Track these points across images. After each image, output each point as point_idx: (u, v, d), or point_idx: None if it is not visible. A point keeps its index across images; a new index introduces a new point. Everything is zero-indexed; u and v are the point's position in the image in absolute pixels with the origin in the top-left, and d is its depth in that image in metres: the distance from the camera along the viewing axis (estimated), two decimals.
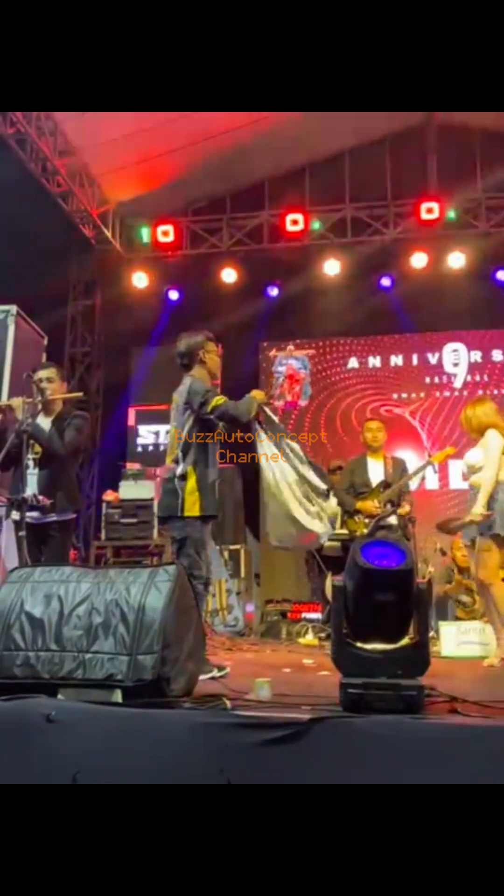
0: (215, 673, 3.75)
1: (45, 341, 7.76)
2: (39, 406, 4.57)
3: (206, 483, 3.96)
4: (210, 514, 4.01)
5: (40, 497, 4.55)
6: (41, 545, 4.62)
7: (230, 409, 3.97)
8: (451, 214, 9.05)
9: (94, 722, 2.48)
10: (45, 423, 4.62)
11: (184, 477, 3.92)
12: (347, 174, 9.55)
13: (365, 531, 6.07)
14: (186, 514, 3.90)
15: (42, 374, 4.61)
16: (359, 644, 2.78)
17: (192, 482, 3.92)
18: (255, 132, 8.42)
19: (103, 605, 2.78)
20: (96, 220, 9.36)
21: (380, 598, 2.73)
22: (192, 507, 3.91)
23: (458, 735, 2.38)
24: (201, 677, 3.70)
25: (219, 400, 3.98)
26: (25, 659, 2.75)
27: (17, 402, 4.49)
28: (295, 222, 9.25)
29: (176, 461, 4.00)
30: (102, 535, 7.38)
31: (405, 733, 2.36)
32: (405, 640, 2.80)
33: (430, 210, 9.01)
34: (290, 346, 9.62)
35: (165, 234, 9.63)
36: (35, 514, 4.55)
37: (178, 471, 3.94)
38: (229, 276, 9.65)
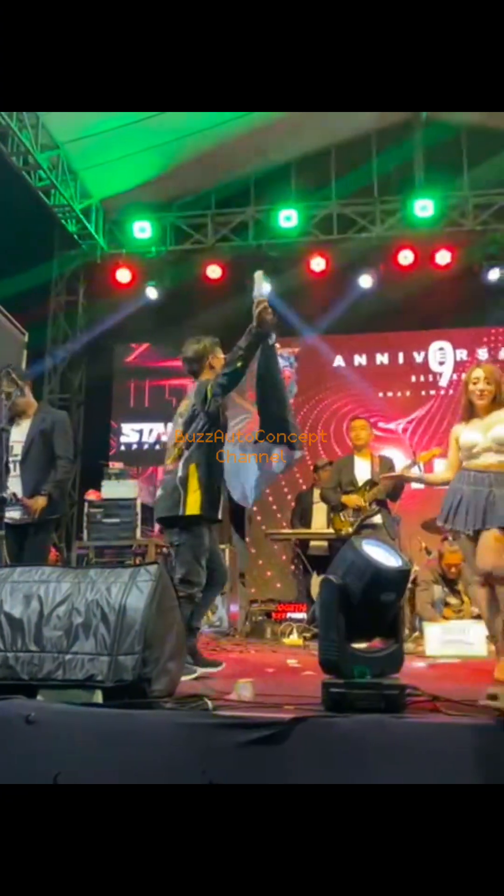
0: (210, 669, 3.73)
1: (26, 338, 7.66)
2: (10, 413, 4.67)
3: (209, 483, 3.88)
4: (211, 517, 3.93)
5: (20, 497, 4.56)
6: (21, 545, 4.61)
7: (226, 367, 3.85)
8: (438, 212, 8.98)
9: (74, 723, 2.46)
10: (24, 425, 4.70)
11: (186, 477, 3.86)
12: (334, 170, 9.47)
13: (350, 530, 6.02)
14: (188, 512, 3.82)
15: (4, 388, 4.67)
16: (355, 644, 2.79)
17: (194, 481, 3.85)
18: (241, 127, 8.34)
19: (84, 606, 2.75)
20: (79, 216, 9.24)
21: (384, 597, 2.75)
22: (194, 506, 3.83)
23: (439, 734, 2.36)
24: (200, 670, 3.69)
25: (213, 380, 3.90)
26: (4, 660, 2.72)
27: None
28: (287, 218, 9.19)
29: (177, 462, 3.93)
30: (84, 536, 7.25)
31: (387, 733, 2.36)
32: (393, 640, 2.83)
33: (422, 207, 8.99)
34: (276, 344, 9.50)
35: (149, 229, 9.54)
36: (16, 514, 4.57)
37: (181, 471, 3.86)
38: (214, 272, 9.56)
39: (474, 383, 3.88)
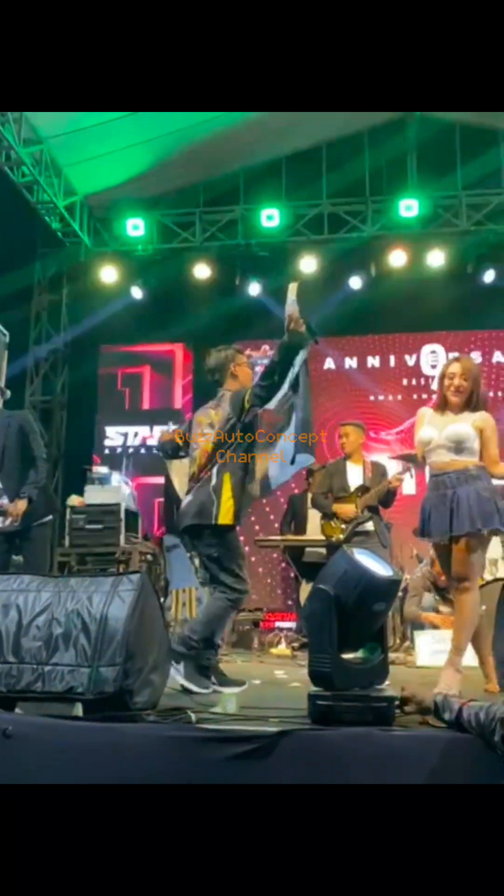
0: (235, 689, 3.62)
1: (7, 338, 7.46)
2: None
3: (241, 492, 3.88)
4: (238, 525, 3.95)
5: (3, 503, 4.53)
6: (13, 552, 4.66)
7: (263, 379, 3.81)
8: (430, 212, 8.84)
9: (53, 737, 2.43)
10: None
11: (220, 485, 3.85)
12: (325, 169, 9.31)
13: (342, 536, 5.88)
14: (221, 521, 3.79)
15: None
16: (345, 655, 2.75)
17: (228, 490, 3.83)
18: (229, 124, 8.16)
19: (64, 615, 2.72)
20: (63, 213, 9.02)
21: (376, 607, 2.75)
22: (227, 515, 3.80)
23: (428, 747, 2.33)
24: (227, 690, 3.60)
25: (250, 391, 3.88)
26: None
27: None
28: (269, 217, 9.01)
29: (208, 470, 3.92)
30: (66, 542, 7.02)
31: (375, 746, 2.34)
32: (379, 650, 2.83)
33: (408, 207, 8.83)
34: (265, 347, 9.32)
35: (135, 227, 9.33)
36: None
37: (214, 479, 3.87)
38: (202, 272, 9.36)
39: (450, 378, 3.66)
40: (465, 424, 3.58)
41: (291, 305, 3.67)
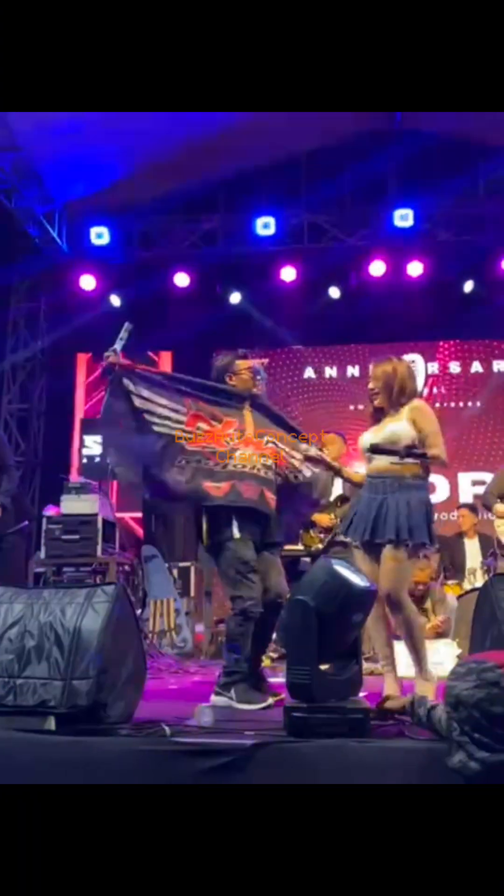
0: (269, 702, 3.52)
1: None
2: None
3: None
4: None
5: None
6: None
7: None
8: (411, 223, 8.87)
9: (25, 751, 2.41)
10: None
11: None
12: (306, 178, 9.33)
13: (321, 546, 5.84)
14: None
15: None
16: (323, 666, 2.74)
17: None
18: (209, 131, 8.13)
19: (37, 628, 2.68)
20: (41, 220, 8.94)
21: (355, 618, 2.77)
22: None
23: (404, 758, 2.33)
24: (252, 707, 3.49)
25: None
26: None
27: None
28: (250, 226, 9.03)
29: None
30: (42, 552, 6.91)
31: (350, 757, 2.33)
32: (353, 661, 2.82)
33: (389, 218, 8.87)
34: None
35: (115, 235, 9.28)
36: None
37: None
38: (182, 280, 9.32)
39: (367, 384, 3.71)
40: (401, 421, 3.53)
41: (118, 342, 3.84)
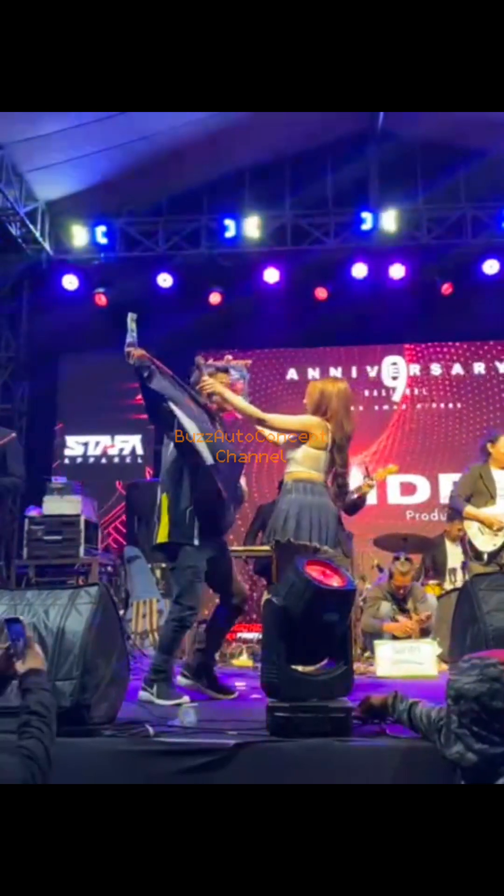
0: (185, 699, 3.61)
1: None
2: None
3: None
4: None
5: None
6: None
7: None
8: (392, 226, 8.92)
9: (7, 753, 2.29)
10: None
11: None
12: (289, 180, 9.36)
13: None
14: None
15: None
16: (296, 667, 2.75)
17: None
18: (193, 133, 8.15)
19: None
20: (24, 219, 8.90)
21: (327, 618, 2.72)
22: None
23: (386, 757, 2.35)
24: (168, 703, 3.53)
25: None
26: None
27: None
28: (233, 227, 9.02)
29: None
30: (24, 553, 6.88)
31: (332, 756, 2.35)
32: (342, 661, 2.81)
33: (371, 220, 8.91)
34: (228, 356, 9.30)
35: (98, 235, 9.25)
36: None
37: None
38: (165, 281, 9.33)
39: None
40: None
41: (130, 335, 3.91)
